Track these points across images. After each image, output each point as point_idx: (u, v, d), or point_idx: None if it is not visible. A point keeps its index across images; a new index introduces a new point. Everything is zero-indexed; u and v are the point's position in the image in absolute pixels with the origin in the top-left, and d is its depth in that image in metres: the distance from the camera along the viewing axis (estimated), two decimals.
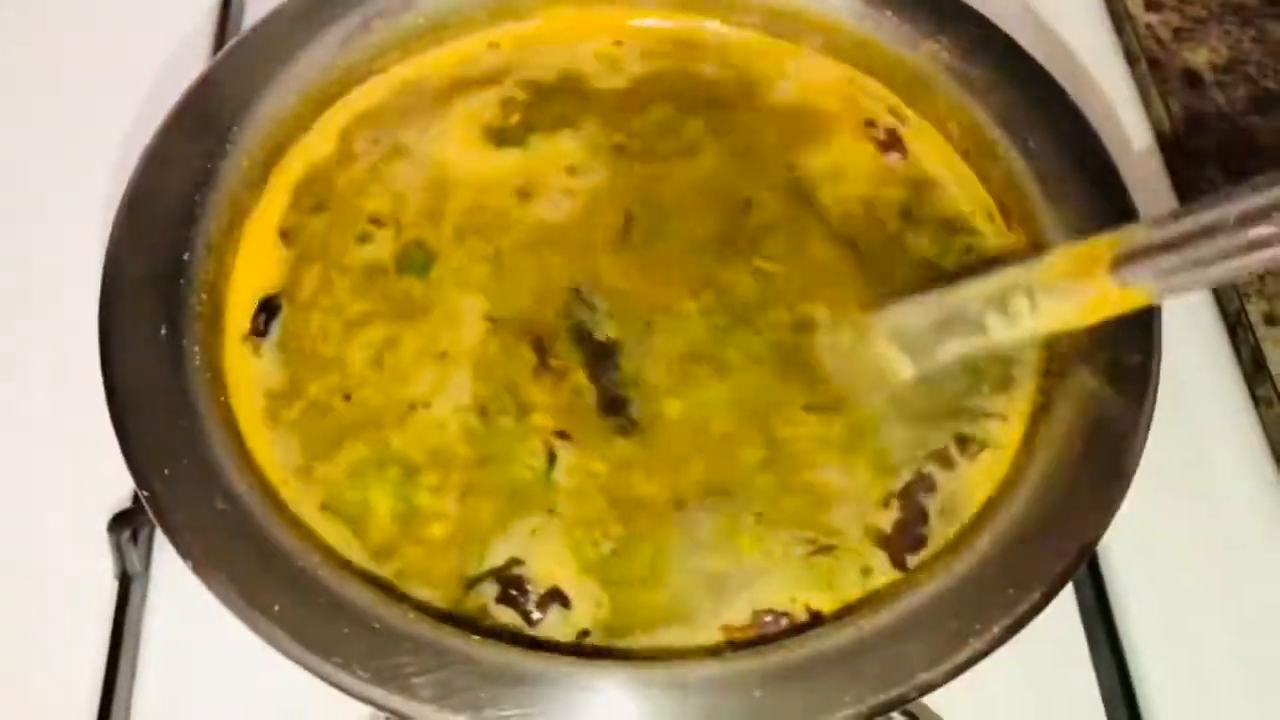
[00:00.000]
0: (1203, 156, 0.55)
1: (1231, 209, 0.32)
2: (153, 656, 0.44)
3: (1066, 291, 0.35)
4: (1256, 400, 0.50)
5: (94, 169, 0.49)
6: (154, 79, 0.54)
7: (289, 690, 0.43)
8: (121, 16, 0.59)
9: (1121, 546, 0.46)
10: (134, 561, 0.45)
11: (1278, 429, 0.49)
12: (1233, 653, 0.44)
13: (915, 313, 0.38)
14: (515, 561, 0.33)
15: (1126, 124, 0.57)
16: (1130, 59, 0.60)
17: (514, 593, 0.33)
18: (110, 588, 0.45)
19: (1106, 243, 0.34)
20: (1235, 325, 0.51)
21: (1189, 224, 0.33)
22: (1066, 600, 0.45)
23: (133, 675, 0.44)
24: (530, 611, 0.32)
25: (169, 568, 0.46)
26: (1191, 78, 0.58)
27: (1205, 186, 0.54)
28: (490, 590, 0.33)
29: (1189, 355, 0.51)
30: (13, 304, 0.51)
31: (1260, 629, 0.45)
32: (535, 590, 0.33)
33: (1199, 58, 0.59)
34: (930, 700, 0.42)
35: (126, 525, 0.44)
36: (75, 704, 0.43)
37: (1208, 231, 0.33)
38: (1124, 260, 0.34)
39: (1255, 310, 0.51)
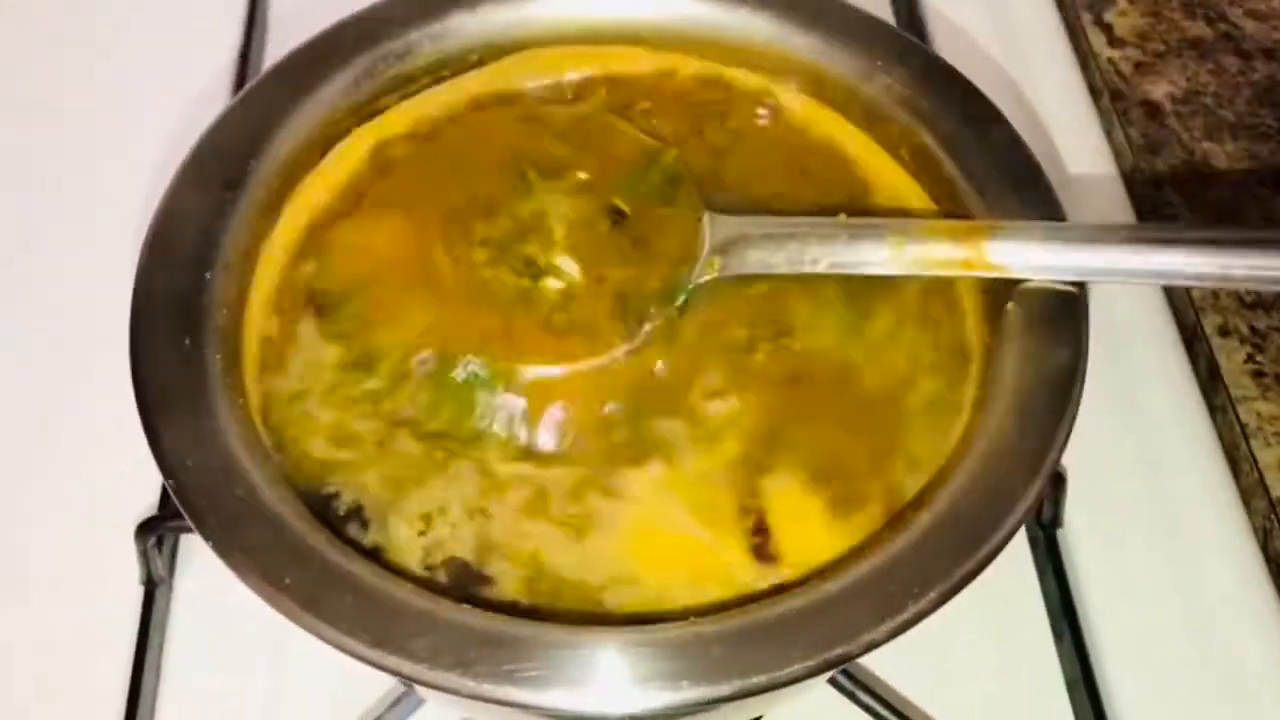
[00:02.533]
0: (1161, 181, 0.59)
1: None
2: (177, 660, 0.47)
3: (936, 246, 0.38)
4: (1212, 408, 0.53)
5: (125, 197, 0.53)
6: (181, 115, 0.58)
7: (308, 693, 0.46)
8: (153, 58, 0.64)
9: (1083, 539, 0.49)
10: (159, 568, 0.48)
11: (1230, 433, 0.52)
12: (1190, 638, 0.47)
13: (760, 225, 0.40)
14: None
15: (1090, 151, 0.61)
16: (1094, 92, 0.64)
17: None
18: (136, 593, 0.48)
19: (988, 224, 0.39)
20: (1191, 338, 0.55)
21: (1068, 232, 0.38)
22: (1031, 590, 0.48)
23: (157, 678, 0.46)
24: None
25: (193, 574, 0.49)
26: (1151, 108, 0.62)
27: (1163, 208, 0.58)
28: None
29: (1148, 366, 0.54)
30: (48, 323, 0.55)
31: (1214, 616, 0.48)
32: None
33: (1159, 90, 0.62)
34: (898, 684, 0.45)
35: (152, 532, 0.47)
36: (102, 706, 0.45)
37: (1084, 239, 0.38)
38: (1001, 237, 0.38)
39: (1210, 323, 0.54)
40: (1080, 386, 0.35)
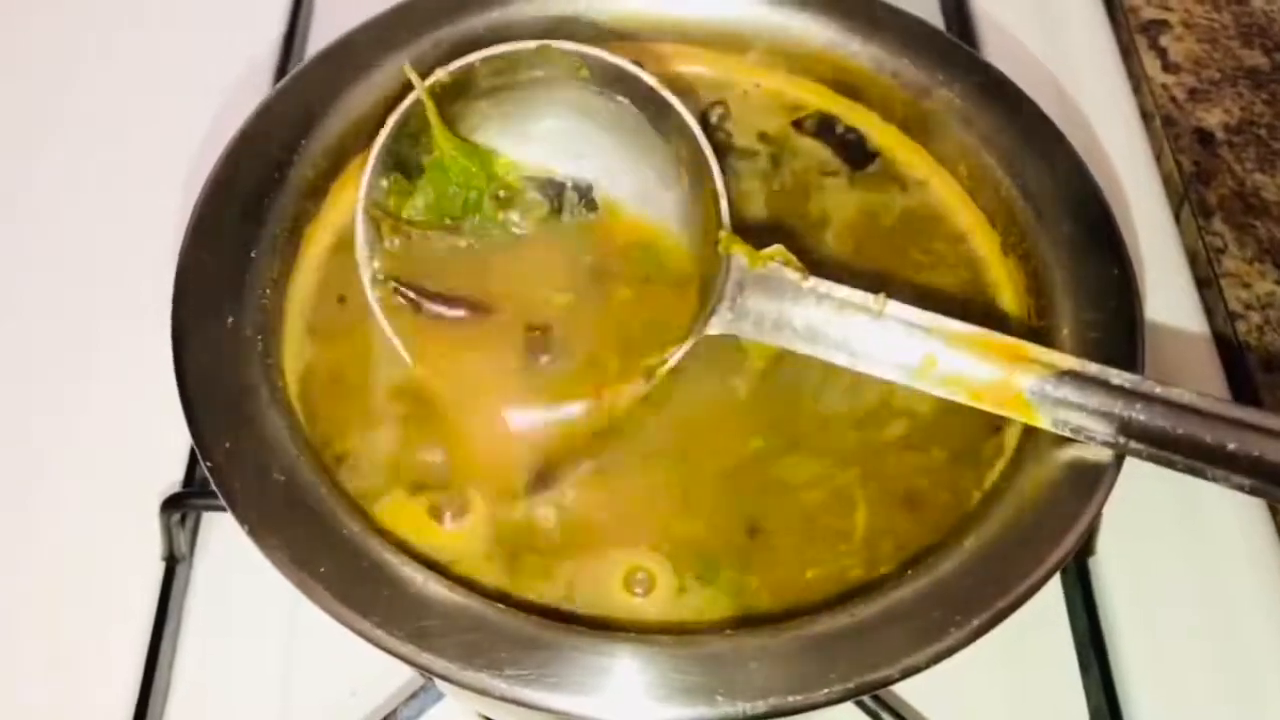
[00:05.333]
0: (1210, 210, 0.58)
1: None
2: (193, 636, 0.47)
3: (973, 363, 0.35)
4: None
5: (171, 174, 0.53)
6: (225, 97, 0.58)
7: (320, 673, 0.46)
8: (197, 40, 0.63)
9: (1115, 569, 0.48)
10: (181, 545, 0.47)
11: None
12: (1219, 676, 0.46)
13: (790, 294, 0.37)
14: None
15: (1139, 176, 0.60)
16: (1145, 116, 0.63)
17: None
18: (157, 569, 0.48)
19: (1033, 351, 0.35)
20: (1234, 369, 0.54)
21: (1110, 380, 0.34)
22: (1059, 618, 0.47)
23: (173, 654, 0.46)
24: None
25: (212, 553, 0.49)
26: (1203, 136, 0.61)
27: (1211, 238, 0.57)
28: None
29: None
30: (83, 294, 0.54)
31: (1245, 651, 0.47)
32: None
33: (1212, 118, 0.62)
34: (918, 707, 0.44)
35: (177, 508, 0.47)
36: (118, 680, 0.45)
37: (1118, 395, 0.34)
38: (1040, 374, 0.35)
39: (1254, 359, 0.53)
40: None
